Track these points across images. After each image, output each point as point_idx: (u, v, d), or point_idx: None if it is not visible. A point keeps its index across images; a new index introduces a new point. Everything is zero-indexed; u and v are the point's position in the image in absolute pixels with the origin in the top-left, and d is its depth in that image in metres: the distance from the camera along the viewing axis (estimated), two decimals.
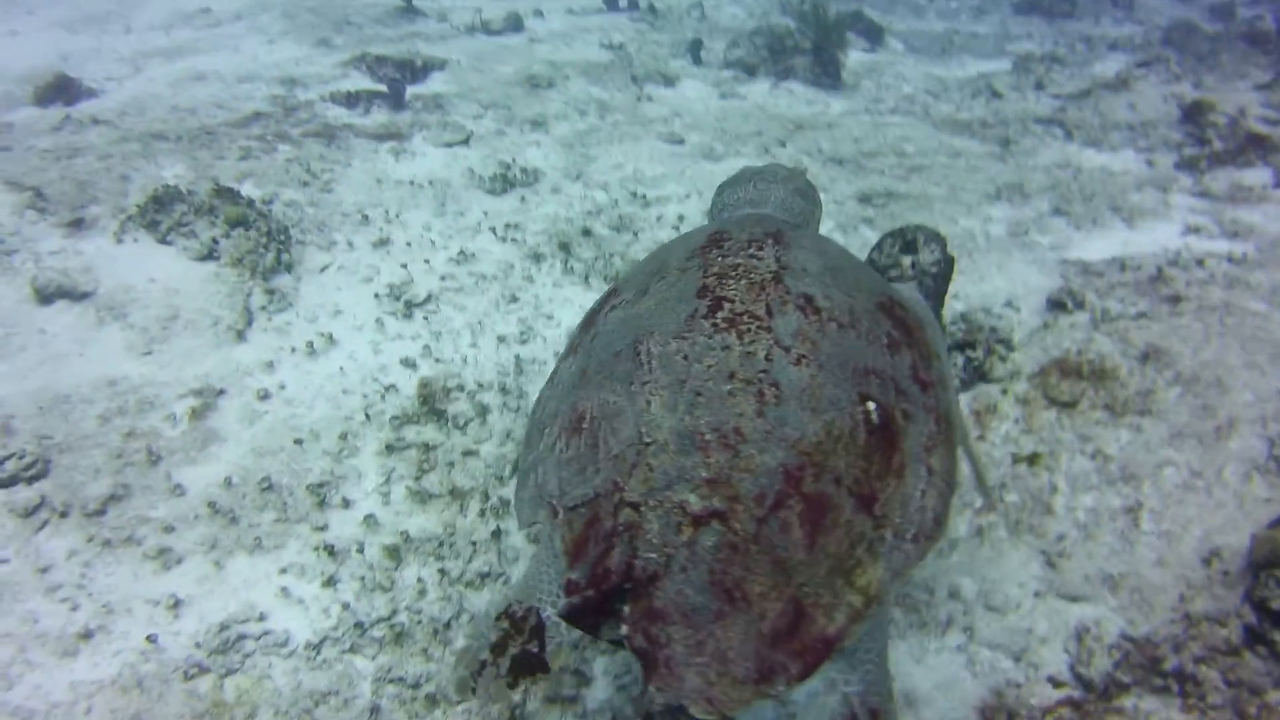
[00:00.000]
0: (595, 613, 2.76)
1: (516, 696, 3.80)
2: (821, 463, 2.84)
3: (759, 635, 2.63)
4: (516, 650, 2.90)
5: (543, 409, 3.52)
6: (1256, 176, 8.14)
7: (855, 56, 13.21)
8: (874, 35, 14.29)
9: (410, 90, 10.63)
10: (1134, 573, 4.55)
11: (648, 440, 2.90)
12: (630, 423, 2.98)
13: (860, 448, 2.92)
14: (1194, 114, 9.16)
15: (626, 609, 2.71)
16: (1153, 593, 4.47)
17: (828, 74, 11.88)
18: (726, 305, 3.17)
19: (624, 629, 2.69)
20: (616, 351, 3.24)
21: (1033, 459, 5.13)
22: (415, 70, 11.21)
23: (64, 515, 5.13)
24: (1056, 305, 6.35)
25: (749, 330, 3.07)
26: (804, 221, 4.35)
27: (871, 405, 3.01)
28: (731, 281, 3.26)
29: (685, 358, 3.04)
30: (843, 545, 2.78)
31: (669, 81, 11.59)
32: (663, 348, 3.11)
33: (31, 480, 5.35)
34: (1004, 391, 5.62)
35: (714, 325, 3.11)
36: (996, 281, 6.79)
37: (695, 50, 12.65)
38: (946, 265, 5.68)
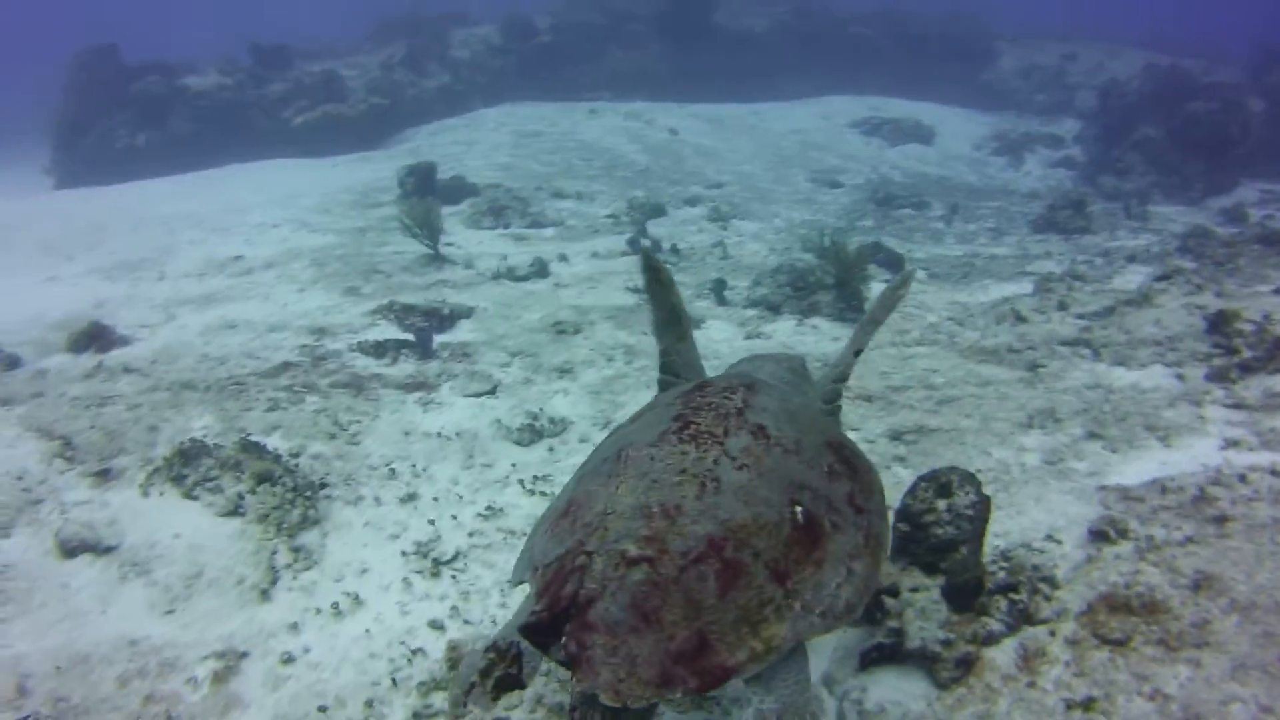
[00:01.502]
0: (549, 633, 3.45)
1: (500, 710, 4.32)
2: (744, 539, 3.63)
3: (665, 651, 3.37)
4: (500, 673, 4.08)
5: (548, 509, 4.33)
6: None
7: (877, 288, 13.35)
8: (894, 265, 14.49)
9: (438, 339, 10.77)
10: None
11: (609, 512, 3.77)
12: (601, 501, 3.87)
13: (783, 538, 3.71)
14: (1219, 324, 9.15)
15: (568, 627, 3.43)
16: None
17: (851, 308, 12.01)
18: (693, 426, 4.10)
19: (563, 640, 3.39)
20: (605, 458, 4.22)
21: (1088, 705, 4.91)
22: (442, 318, 11.37)
23: None
24: (1099, 536, 6.21)
25: (705, 443, 3.99)
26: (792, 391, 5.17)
27: (799, 509, 3.82)
28: (702, 413, 4.20)
29: (652, 459, 3.96)
30: (751, 602, 3.52)
31: (694, 324, 11.70)
32: (637, 453, 4.04)
33: None
34: (1052, 634, 5.44)
35: (679, 439, 4.04)
36: (1035, 514, 6.69)
37: (719, 290, 12.83)
38: (983, 506, 5.61)
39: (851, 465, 4.33)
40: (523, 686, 4.04)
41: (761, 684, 3.63)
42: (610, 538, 3.64)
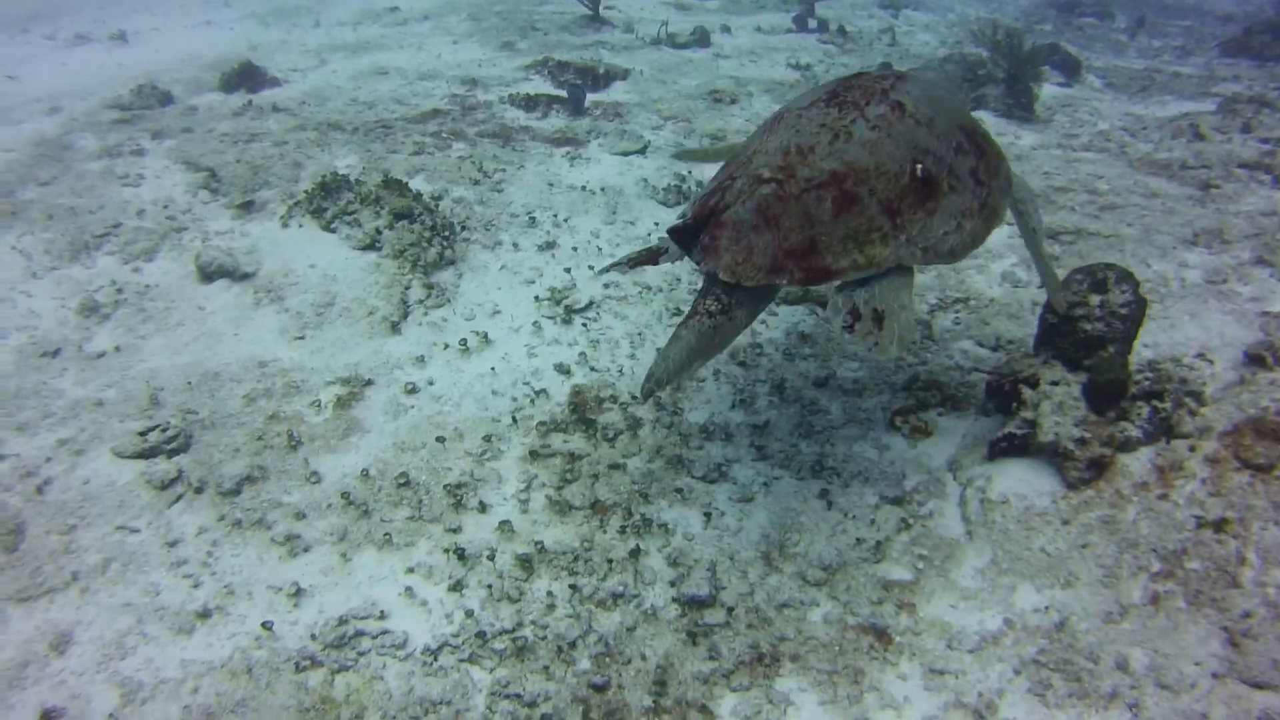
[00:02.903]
0: (693, 235, 4.16)
1: (629, 270, 4.61)
2: (863, 178, 4.16)
3: (779, 247, 4.04)
4: (642, 256, 4.54)
5: None
6: None
7: (1049, 90, 12.74)
8: (1070, 69, 13.78)
9: (590, 97, 10.51)
10: None
11: (757, 152, 4.36)
12: (754, 146, 4.45)
13: (900, 185, 4.20)
14: None
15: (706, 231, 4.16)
16: None
17: (1020, 105, 11.41)
18: (840, 97, 4.50)
19: (702, 238, 4.13)
20: (766, 123, 4.68)
21: (1220, 525, 4.66)
22: (597, 78, 11.10)
23: (199, 492, 5.05)
24: (1255, 360, 5.84)
25: (847, 109, 4.39)
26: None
27: (920, 166, 4.27)
28: (853, 90, 4.55)
29: (800, 117, 4.43)
30: (861, 226, 4.10)
31: None
32: (790, 114, 4.52)
33: (172, 454, 5.30)
34: (1192, 449, 5.14)
35: (827, 105, 4.46)
36: (1189, 330, 6.31)
37: None
38: (1138, 308, 5.32)
39: (980, 146, 4.69)
40: (656, 262, 4.59)
41: (865, 292, 4.18)
42: (754, 168, 4.26)
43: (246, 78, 10.67)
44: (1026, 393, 5.25)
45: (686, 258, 4.38)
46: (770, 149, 4.33)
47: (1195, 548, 4.59)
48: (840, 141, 4.26)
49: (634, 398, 5.76)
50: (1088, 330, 5.28)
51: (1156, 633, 4.29)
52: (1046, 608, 4.47)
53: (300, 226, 7.19)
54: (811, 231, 4.08)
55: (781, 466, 5.31)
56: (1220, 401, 5.45)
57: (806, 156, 4.23)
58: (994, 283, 6.97)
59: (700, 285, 4.36)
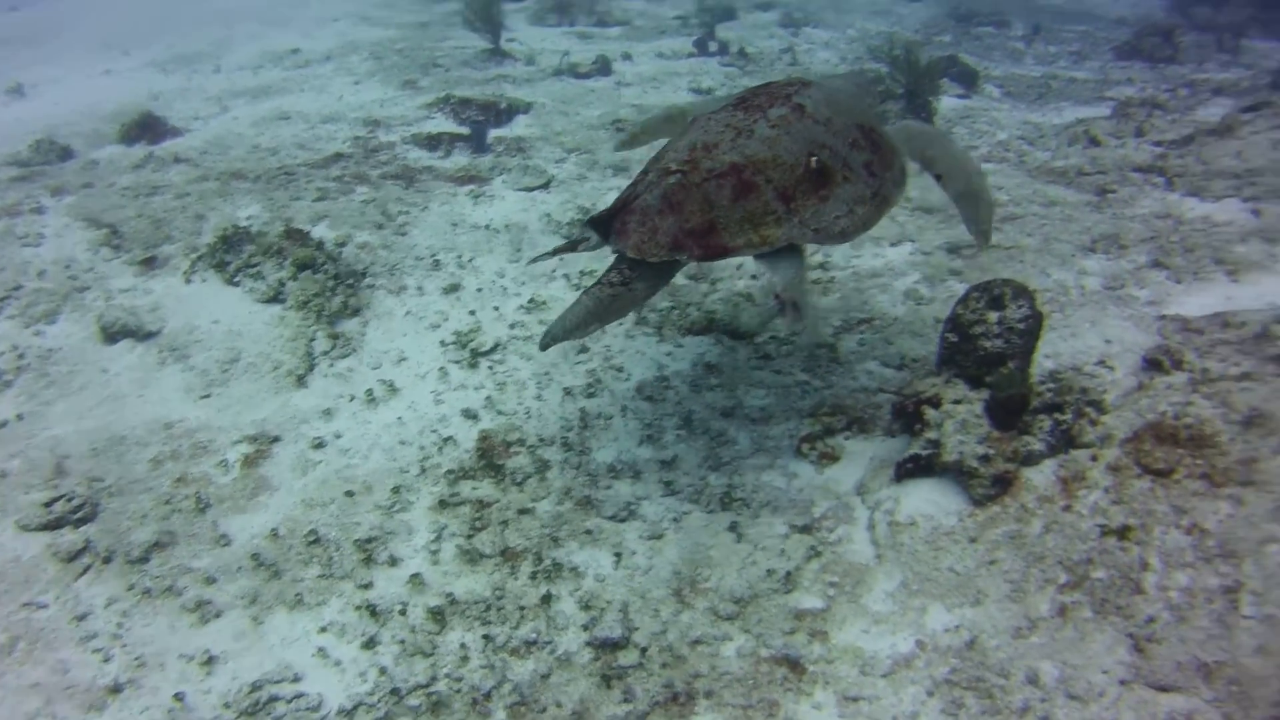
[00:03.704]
0: (607, 224, 4.67)
1: (553, 258, 5.18)
2: (760, 168, 4.66)
3: (680, 228, 4.53)
4: (564, 246, 4.90)
5: None
6: None
7: (948, 102, 12.92)
8: (968, 80, 13.98)
9: (493, 133, 10.54)
10: (1232, 661, 4.16)
11: (670, 149, 4.90)
12: (669, 146, 4.99)
13: (796, 175, 4.68)
14: None
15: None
16: (1252, 684, 4.09)
17: (920, 119, 11.58)
18: (747, 102, 5.05)
19: (614, 225, 4.64)
20: (684, 127, 5.20)
21: (1123, 532, 4.76)
22: (499, 113, 11.12)
23: (107, 561, 5.03)
24: (1153, 365, 5.96)
25: (752, 111, 4.92)
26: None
27: (814, 159, 4.73)
28: (759, 96, 5.10)
29: (710, 120, 4.97)
30: (757, 210, 4.59)
31: None
32: (703, 118, 5.05)
33: (79, 524, 5.27)
34: (1094, 458, 5.24)
35: (734, 109, 5.00)
36: (1090, 338, 6.44)
37: None
38: (1035, 321, 5.44)
39: (875, 142, 5.16)
40: (575, 250, 4.91)
41: (769, 267, 4.67)
42: (663, 164, 4.78)
43: (147, 128, 10.60)
44: (930, 413, 5.33)
45: (604, 245, 4.77)
46: (680, 147, 4.85)
47: (1100, 557, 4.69)
48: (742, 138, 4.77)
49: (542, 440, 5.79)
50: (987, 347, 5.39)
51: (1065, 644, 4.38)
52: (957, 627, 4.54)
53: (204, 281, 7.16)
54: (711, 214, 4.58)
55: (691, 501, 5.37)
56: (1121, 408, 5.56)
57: (710, 151, 4.74)
58: (897, 301, 7.07)
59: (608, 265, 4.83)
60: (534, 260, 5.41)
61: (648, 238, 4.57)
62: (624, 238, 4.61)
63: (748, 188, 4.64)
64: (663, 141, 5.59)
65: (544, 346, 4.62)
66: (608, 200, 8.74)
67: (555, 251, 5.02)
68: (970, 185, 5.59)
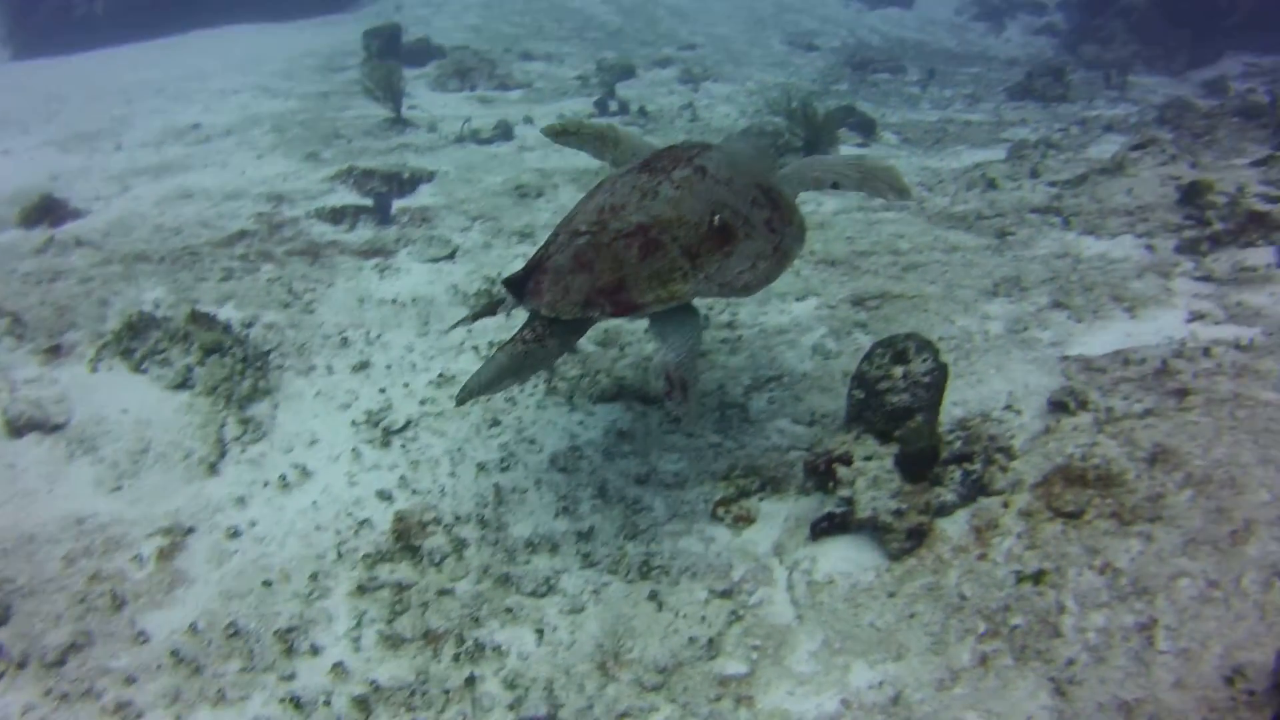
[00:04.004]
0: (522, 285, 4.94)
1: (473, 324, 5.91)
2: (665, 227, 4.94)
3: (592, 287, 4.79)
4: (482, 310, 5.44)
5: None
6: (1259, 256, 7.89)
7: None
8: (867, 129, 14.25)
9: (397, 204, 10.57)
10: (1151, 697, 4.26)
11: (580, 212, 5.21)
12: (578, 207, 5.30)
13: (700, 233, 4.98)
14: (1192, 195, 8.95)
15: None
16: (1172, 719, 4.22)
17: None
18: (651, 164, 5.34)
19: (528, 285, 4.92)
20: (593, 189, 5.52)
21: (1038, 577, 4.88)
22: (403, 183, 11.16)
23: (22, 666, 4.95)
24: (1058, 406, 6.11)
25: (656, 173, 5.22)
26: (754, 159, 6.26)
27: (717, 217, 5.04)
28: (663, 159, 5.39)
29: (616, 183, 5.28)
30: (664, 267, 4.87)
31: None
32: (610, 180, 5.38)
33: None
34: (1005, 505, 5.38)
35: (640, 172, 5.28)
36: (995, 383, 6.58)
37: None
38: (940, 374, 5.61)
39: (774, 200, 5.47)
40: (495, 313, 5.43)
41: (661, 337, 5.05)
42: (573, 225, 5.07)
43: (48, 211, 10.47)
44: (841, 471, 5.46)
45: (519, 305, 5.08)
46: (589, 209, 5.15)
47: (1017, 603, 4.81)
48: (647, 199, 5.05)
49: (458, 518, 5.82)
50: (894, 402, 5.54)
51: (988, 693, 4.48)
52: (881, 683, 4.62)
53: (110, 369, 7.10)
54: (621, 273, 4.83)
55: (610, 572, 5.42)
56: (1029, 453, 5.71)
57: (618, 212, 5.02)
58: (805, 357, 7.19)
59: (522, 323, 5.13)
60: (454, 326, 5.91)
61: (560, 296, 4.80)
62: (538, 297, 4.85)
63: (654, 246, 4.90)
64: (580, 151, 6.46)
65: (460, 402, 4.90)
66: (515, 267, 8.81)
67: (475, 316, 5.46)
68: (861, 169, 6.02)
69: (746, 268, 5.17)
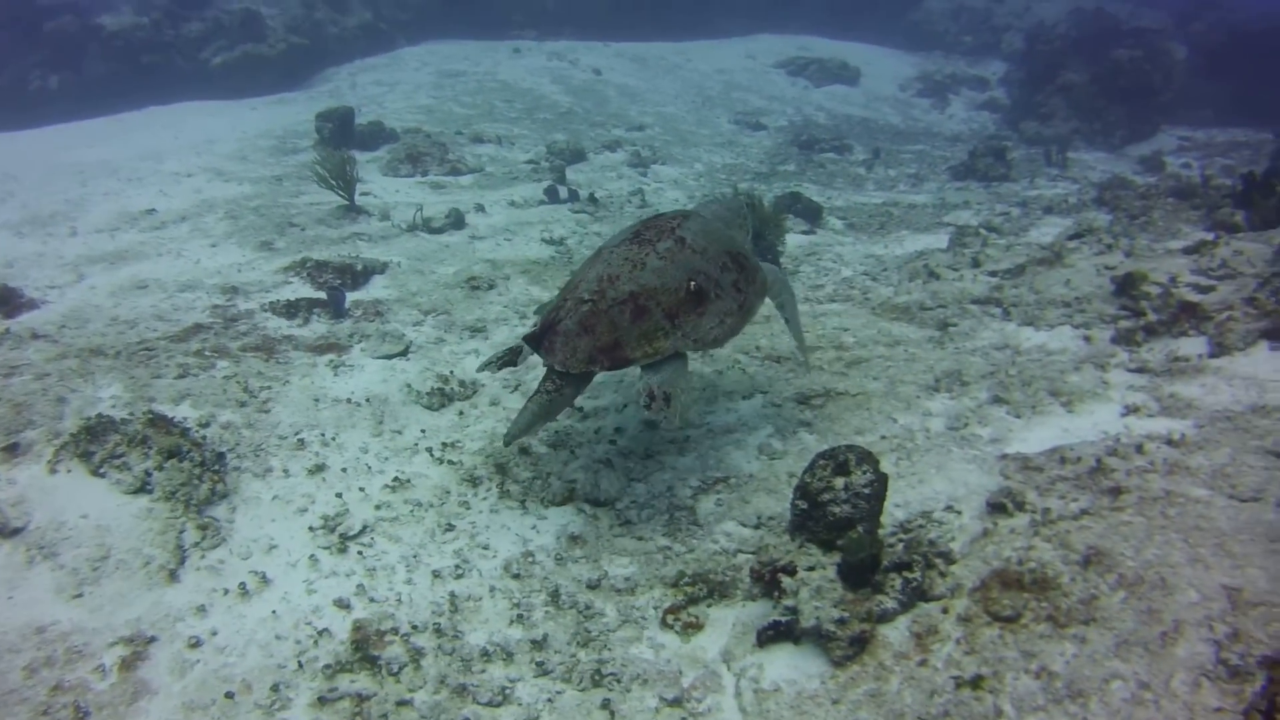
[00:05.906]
0: (538, 341, 6.30)
1: (497, 370, 6.93)
2: (651, 295, 6.23)
3: (595, 346, 6.13)
4: (506, 358, 6.85)
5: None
6: (1191, 346, 8.18)
7: (794, 240, 13.43)
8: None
9: (351, 296, 10.74)
10: None
11: (581, 281, 6.46)
12: (581, 274, 6.58)
13: (679, 298, 6.28)
14: (1127, 286, 9.21)
15: (547, 335, 6.24)
16: None
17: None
18: (640, 236, 6.63)
19: (544, 341, 6.25)
20: (591, 254, 6.92)
21: (976, 682, 5.03)
22: (356, 275, 11.32)
23: None
24: (996, 508, 6.32)
25: (644, 245, 6.52)
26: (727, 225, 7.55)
27: (693, 284, 6.32)
28: (650, 229, 6.70)
29: (612, 253, 6.56)
30: (650, 328, 6.17)
31: None
32: (608, 250, 6.64)
33: None
34: (945, 611, 5.54)
35: (630, 242, 6.59)
36: (936, 484, 6.78)
37: None
38: (880, 485, 5.83)
39: (741, 264, 6.79)
40: (515, 363, 6.90)
41: (651, 371, 6.23)
42: (578, 293, 6.33)
43: (3, 302, 10.52)
44: (786, 581, 5.63)
45: (534, 355, 6.50)
46: (590, 278, 6.40)
47: (956, 708, 4.95)
48: (637, 270, 6.32)
49: (415, 627, 5.94)
50: (836, 513, 5.76)
51: None
52: None
53: (69, 472, 7.16)
54: (616, 334, 6.14)
55: (563, 680, 5.55)
56: (968, 556, 5.91)
57: (614, 282, 6.28)
58: (751, 458, 7.39)
59: (542, 375, 6.40)
60: (481, 369, 7.08)
61: (570, 354, 6.14)
62: (552, 355, 6.19)
63: (642, 311, 6.20)
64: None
65: (507, 443, 6.44)
66: (466, 364, 9.00)
67: (500, 364, 6.82)
68: (799, 334, 7.71)
69: (716, 324, 6.47)
